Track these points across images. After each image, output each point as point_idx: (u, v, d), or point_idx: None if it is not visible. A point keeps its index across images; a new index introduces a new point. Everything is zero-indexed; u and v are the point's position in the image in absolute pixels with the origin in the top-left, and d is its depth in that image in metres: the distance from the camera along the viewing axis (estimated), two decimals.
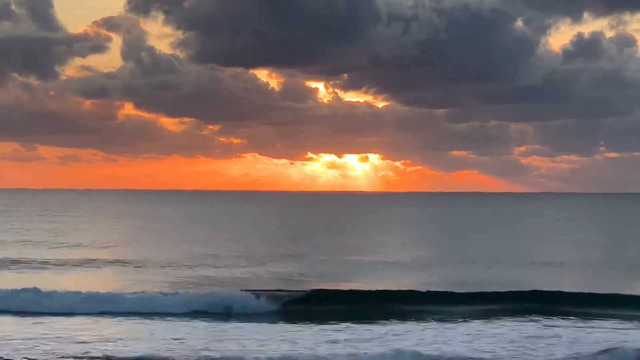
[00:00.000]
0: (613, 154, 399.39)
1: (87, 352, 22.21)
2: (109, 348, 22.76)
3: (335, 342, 23.59)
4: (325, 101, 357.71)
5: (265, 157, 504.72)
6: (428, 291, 32.97)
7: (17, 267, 43.32)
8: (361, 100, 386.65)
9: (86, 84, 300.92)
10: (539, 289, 33.06)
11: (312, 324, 26.66)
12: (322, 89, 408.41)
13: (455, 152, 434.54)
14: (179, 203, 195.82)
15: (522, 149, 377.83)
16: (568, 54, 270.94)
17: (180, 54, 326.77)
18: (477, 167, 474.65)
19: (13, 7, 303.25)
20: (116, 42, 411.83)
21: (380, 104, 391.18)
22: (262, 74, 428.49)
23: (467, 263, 47.59)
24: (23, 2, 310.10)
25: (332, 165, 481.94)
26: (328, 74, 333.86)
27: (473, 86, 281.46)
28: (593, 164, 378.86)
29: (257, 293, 30.71)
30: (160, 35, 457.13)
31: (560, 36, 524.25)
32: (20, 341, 23.79)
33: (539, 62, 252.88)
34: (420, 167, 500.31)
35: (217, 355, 21.62)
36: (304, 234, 75.25)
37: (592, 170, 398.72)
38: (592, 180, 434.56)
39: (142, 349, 22.52)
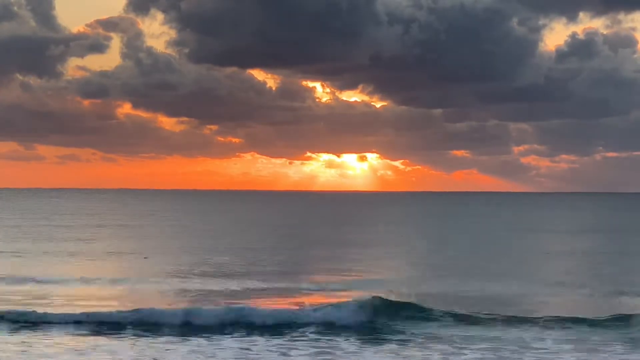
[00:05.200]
0: (612, 154, 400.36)
1: None
2: None
3: None
4: (323, 101, 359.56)
5: (264, 156, 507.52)
6: None
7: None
8: (359, 100, 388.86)
9: (85, 84, 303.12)
10: None
11: None
12: (319, 89, 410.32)
13: (454, 152, 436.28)
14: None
15: (521, 148, 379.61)
16: (564, 54, 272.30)
17: (178, 54, 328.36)
18: (477, 166, 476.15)
19: (14, 7, 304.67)
20: (115, 42, 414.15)
21: (378, 104, 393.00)
22: (260, 74, 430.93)
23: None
24: (24, 2, 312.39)
25: (331, 165, 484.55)
26: (325, 73, 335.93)
27: (470, 86, 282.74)
28: (592, 164, 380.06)
29: None
30: (159, 35, 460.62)
31: (556, 36, 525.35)
32: None
33: (536, 62, 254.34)
34: (419, 167, 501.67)
35: None
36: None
37: (591, 169, 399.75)
38: (591, 180, 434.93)
39: None
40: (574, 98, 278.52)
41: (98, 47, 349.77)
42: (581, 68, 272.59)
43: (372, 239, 70.45)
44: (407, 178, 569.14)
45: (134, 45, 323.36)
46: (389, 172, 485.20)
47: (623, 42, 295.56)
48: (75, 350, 24.26)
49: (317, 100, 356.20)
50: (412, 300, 31.02)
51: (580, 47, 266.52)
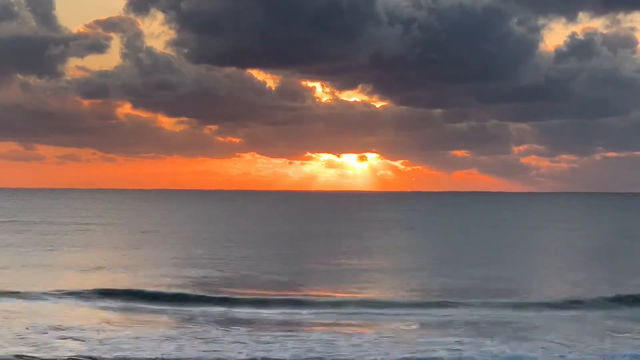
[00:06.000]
0: (612, 154, 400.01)
1: None
2: None
3: None
4: (323, 101, 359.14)
5: (264, 156, 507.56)
6: None
7: None
8: (358, 100, 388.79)
9: (85, 84, 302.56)
10: None
11: None
12: (319, 89, 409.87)
13: (454, 152, 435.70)
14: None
15: (521, 148, 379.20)
16: (563, 54, 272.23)
17: (178, 54, 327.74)
18: (477, 166, 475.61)
19: (14, 7, 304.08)
20: (115, 42, 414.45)
21: (378, 104, 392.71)
22: (259, 74, 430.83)
23: None
24: (24, 2, 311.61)
25: (331, 165, 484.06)
26: (325, 73, 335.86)
27: (470, 86, 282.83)
28: (592, 164, 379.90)
29: None
30: (159, 35, 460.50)
31: (555, 36, 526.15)
32: None
33: (536, 62, 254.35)
34: (419, 167, 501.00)
35: None
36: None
37: (591, 169, 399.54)
38: (590, 180, 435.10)
39: None
40: (573, 98, 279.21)
41: (98, 47, 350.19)
42: (581, 68, 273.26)
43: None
44: (407, 178, 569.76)
45: (133, 45, 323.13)
46: (389, 172, 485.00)
47: (622, 42, 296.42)
48: None
49: (316, 100, 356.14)
50: None
51: (579, 47, 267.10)
